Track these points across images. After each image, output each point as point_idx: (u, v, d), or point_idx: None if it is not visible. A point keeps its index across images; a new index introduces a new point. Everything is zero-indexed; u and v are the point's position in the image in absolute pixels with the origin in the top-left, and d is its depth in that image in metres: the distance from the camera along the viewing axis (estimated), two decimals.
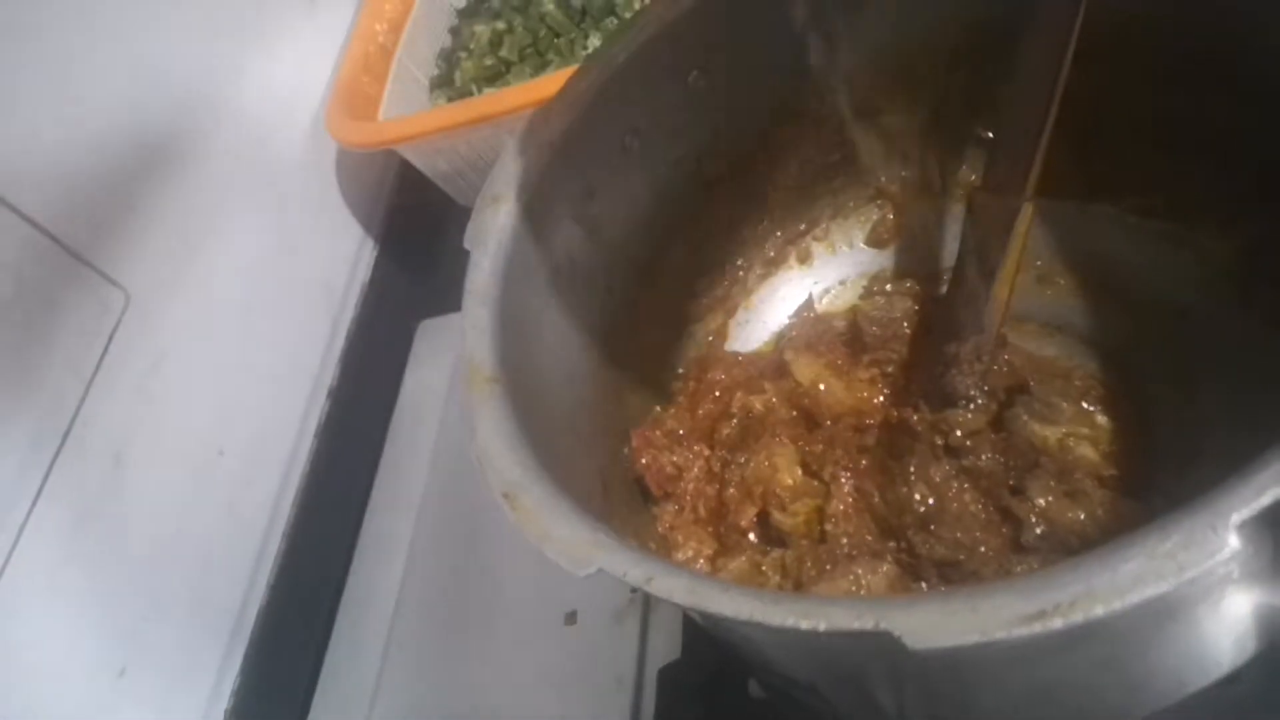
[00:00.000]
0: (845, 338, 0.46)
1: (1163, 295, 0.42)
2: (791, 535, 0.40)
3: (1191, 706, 0.32)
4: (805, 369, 0.45)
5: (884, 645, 0.22)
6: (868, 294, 0.48)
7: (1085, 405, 0.40)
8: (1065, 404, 0.39)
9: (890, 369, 0.44)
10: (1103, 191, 0.44)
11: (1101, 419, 0.39)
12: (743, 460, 0.41)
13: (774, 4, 0.41)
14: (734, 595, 0.24)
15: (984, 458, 0.37)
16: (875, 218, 0.50)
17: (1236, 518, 0.20)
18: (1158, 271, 0.43)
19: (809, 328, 0.47)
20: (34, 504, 0.49)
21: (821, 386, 0.44)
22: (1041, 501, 0.35)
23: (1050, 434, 0.38)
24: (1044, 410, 0.38)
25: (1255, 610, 0.29)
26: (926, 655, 0.21)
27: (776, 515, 0.40)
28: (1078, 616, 0.21)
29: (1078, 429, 0.38)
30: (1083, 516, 0.35)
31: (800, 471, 0.41)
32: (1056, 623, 0.21)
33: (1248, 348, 0.39)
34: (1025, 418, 0.38)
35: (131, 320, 0.56)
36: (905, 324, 0.45)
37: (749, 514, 0.40)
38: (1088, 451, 0.37)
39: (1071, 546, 0.35)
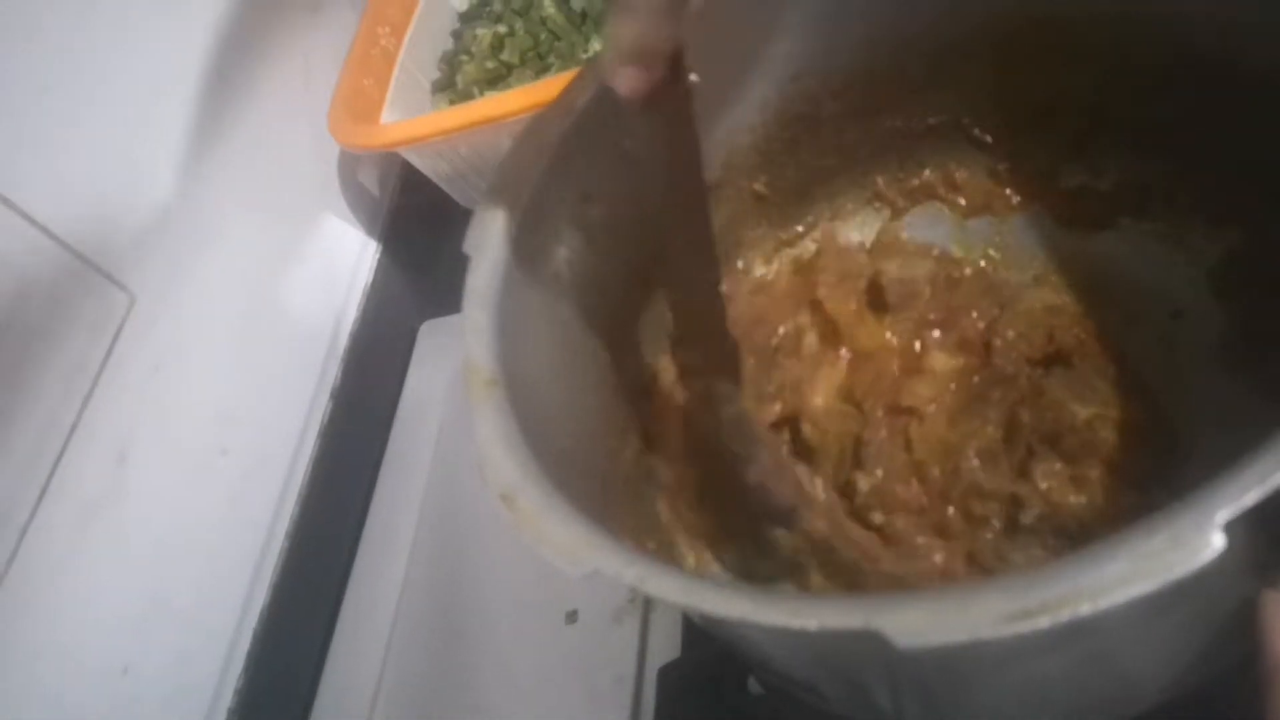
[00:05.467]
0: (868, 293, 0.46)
1: (1157, 295, 0.42)
2: (819, 453, 0.39)
3: (1182, 704, 0.32)
4: (840, 304, 0.45)
5: (874, 644, 0.22)
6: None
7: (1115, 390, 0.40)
8: (1101, 384, 0.39)
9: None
10: (1097, 191, 0.44)
11: (1122, 408, 0.39)
12: (786, 364, 0.41)
13: (769, 6, 0.42)
14: (727, 595, 0.25)
15: (1023, 406, 0.37)
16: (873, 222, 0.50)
17: (1222, 516, 0.21)
18: (1152, 272, 0.43)
19: (836, 261, 0.47)
20: (38, 503, 0.50)
21: (858, 324, 0.45)
22: (1044, 485, 0.36)
23: (1081, 411, 0.38)
24: (1080, 388, 0.38)
25: (1245, 608, 0.30)
26: (916, 654, 0.22)
27: (807, 428, 0.39)
28: (1064, 615, 0.21)
29: (1107, 411, 0.38)
30: (1084, 501, 0.35)
31: (838, 398, 0.41)
32: (1043, 621, 0.21)
33: (1237, 347, 0.39)
34: (1062, 390, 0.38)
35: (135, 322, 0.56)
36: (927, 286, 0.45)
37: (774, 412, 0.39)
38: (1111, 435, 0.37)
39: (1071, 531, 0.35)
